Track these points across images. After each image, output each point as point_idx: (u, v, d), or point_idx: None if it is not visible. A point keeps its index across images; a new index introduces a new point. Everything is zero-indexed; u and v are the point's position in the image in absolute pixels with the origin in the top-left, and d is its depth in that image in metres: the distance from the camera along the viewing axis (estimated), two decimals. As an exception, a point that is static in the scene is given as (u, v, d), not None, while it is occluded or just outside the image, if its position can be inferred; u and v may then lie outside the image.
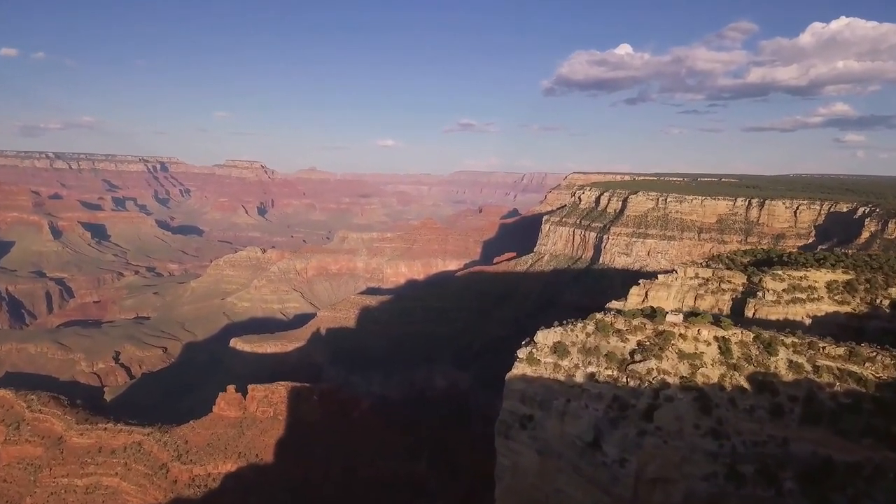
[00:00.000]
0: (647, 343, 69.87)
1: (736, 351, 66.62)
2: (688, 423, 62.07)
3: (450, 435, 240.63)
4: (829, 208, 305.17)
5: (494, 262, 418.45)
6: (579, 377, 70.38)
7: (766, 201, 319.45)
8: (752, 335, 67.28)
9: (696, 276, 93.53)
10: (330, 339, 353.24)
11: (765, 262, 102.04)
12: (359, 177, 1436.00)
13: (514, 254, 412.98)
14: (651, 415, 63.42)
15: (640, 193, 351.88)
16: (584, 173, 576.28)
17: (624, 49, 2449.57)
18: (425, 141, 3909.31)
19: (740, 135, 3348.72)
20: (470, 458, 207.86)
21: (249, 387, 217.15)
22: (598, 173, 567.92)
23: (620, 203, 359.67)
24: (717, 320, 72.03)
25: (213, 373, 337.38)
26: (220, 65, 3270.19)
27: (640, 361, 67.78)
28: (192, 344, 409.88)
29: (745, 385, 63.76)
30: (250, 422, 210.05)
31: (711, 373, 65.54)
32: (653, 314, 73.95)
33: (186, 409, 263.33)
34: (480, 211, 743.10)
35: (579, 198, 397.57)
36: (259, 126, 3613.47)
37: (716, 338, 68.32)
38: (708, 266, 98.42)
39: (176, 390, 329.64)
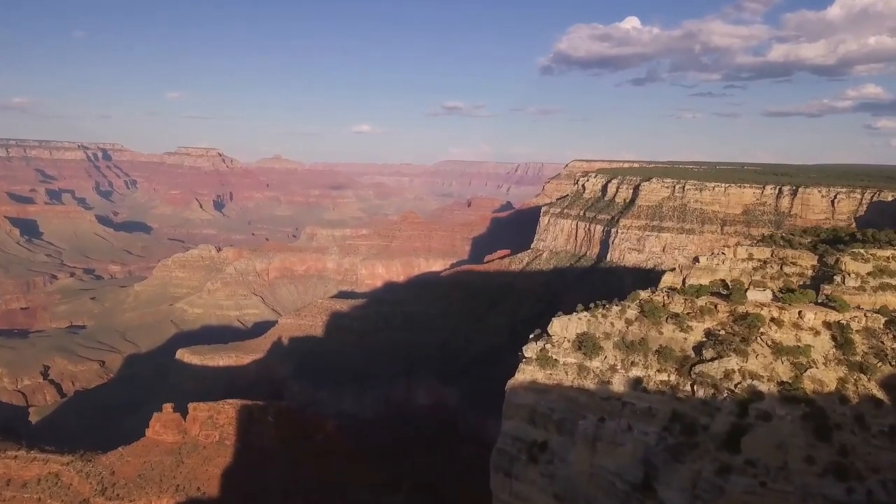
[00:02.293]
0: (722, 332, 58.10)
1: (860, 343, 54.81)
2: (795, 455, 48.94)
3: (434, 462, 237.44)
4: (872, 197, 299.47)
5: (485, 260, 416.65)
6: (618, 384, 58.61)
7: (800, 189, 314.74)
8: (884, 319, 55.42)
9: (750, 258, 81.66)
10: (293, 349, 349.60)
11: (832, 241, 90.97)
12: (330, 166, 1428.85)
13: (507, 251, 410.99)
14: (736, 441, 50.28)
15: (654, 181, 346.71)
16: (587, 161, 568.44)
17: (630, 22, 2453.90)
18: (406, 126, 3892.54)
19: (760, 120, 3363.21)
20: (459, 491, 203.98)
21: (190, 406, 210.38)
22: (603, 161, 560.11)
23: (631, 192, 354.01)
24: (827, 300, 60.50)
25: (158, 390, 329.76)
26: (172, 38, 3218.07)
27: (712, 360, 55.50)
28: (135, 356, 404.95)
29: (880, 395, 51.68)
30: (191, 448, 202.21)
31: (825, 376, 53.40)
32: (726, 290, 61.91)
33: (125, 433, 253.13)
34: (469, 204, 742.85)
35: (583, 186, 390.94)
36: (216, 109, 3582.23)
37: (827, 323, 56.68)
38: (765, 243, 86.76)
39: (114, 411, 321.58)
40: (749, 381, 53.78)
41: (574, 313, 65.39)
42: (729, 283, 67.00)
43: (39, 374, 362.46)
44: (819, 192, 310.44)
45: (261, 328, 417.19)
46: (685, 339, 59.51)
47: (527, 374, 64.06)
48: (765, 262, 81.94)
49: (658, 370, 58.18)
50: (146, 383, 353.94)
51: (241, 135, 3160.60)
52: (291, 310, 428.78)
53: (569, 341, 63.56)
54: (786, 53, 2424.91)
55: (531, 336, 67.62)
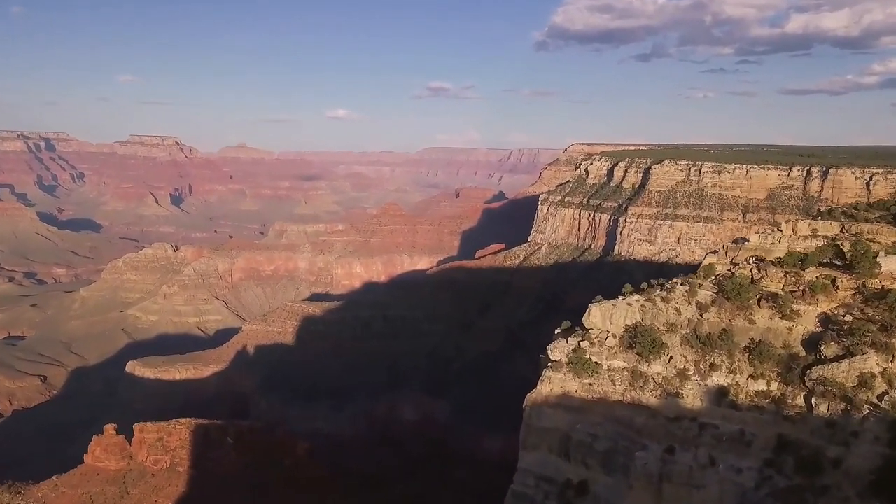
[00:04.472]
0: (848, 318, 49.16)
1: None
2: None
3: (423, 488, 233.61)
4: None
5: (477, 256, 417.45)
6: (692, 398, 49.81)
7: (830, 170, 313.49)
8: None
9: (815, 234, 73.32)
10: (260, 360, 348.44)
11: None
12: (302, 156, 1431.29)
13: (502, 245, 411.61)
14: (892, 484, 40.39)
15: (667, 163, 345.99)
16: (589, 144, 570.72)
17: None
18: (387, 110, 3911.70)
19: (778, 99, 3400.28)
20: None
21: (136, 427, 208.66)
22: (606, 144, 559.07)
23: (640, 176, 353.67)
24: None
25: (108, 408, 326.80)
26: (124, 15, 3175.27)
27: (837, 360, 46.28)
28: (82, 370, 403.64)
29: None
30: (137, 476, 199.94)
31: None
32: (841, 256, 53.79)
33: (69, 459, 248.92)
34: (458, 195, 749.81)
35: (586, 170, 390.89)
36: (174, 93, 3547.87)
37: None
38: (833, 217, 78.97)
39: (57, 432, 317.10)
40: None
41: (621, 297, 56.84)
42: (843, 245, 58.48)
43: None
44: (853, 173, 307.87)
45: (223, 336, 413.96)
46: (790, 329, 50.32)
47: (555, 384, 55.01)
48: (833, 239, 73.28)
49: (751, 376, 48.91)
50: (94, 401, 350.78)
51: (201, 122, 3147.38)
52: (258, 315, 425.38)
53: (615, 336, 54.81)
54: (805, 24, 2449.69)
55: (557, 331, 58.85)
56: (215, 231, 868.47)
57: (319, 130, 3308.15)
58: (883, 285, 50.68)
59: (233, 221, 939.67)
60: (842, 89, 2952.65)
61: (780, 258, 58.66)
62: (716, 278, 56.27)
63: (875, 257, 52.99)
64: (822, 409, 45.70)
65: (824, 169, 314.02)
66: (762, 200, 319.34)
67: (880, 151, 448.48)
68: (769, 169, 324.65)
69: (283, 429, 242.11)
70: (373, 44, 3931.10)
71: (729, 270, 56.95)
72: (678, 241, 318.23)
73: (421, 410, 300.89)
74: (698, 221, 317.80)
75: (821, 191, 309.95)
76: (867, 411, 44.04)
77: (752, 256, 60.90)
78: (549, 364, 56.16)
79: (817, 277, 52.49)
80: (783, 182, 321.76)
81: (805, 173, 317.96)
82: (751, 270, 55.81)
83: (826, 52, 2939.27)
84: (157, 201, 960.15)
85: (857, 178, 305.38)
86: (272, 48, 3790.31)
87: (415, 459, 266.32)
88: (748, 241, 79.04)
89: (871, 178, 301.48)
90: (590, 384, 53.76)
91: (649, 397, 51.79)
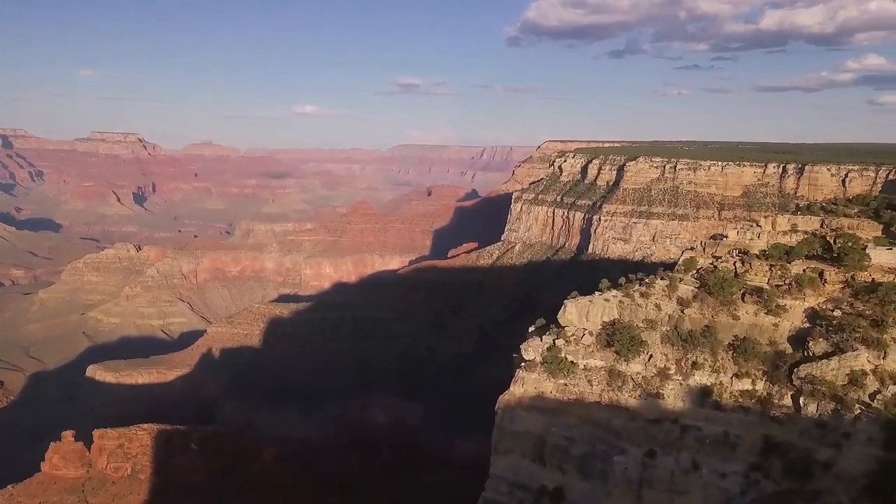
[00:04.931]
0: (837, 313, 48.31)
1: None
2: None
3: (395, 493, 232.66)
4: (888, 175, 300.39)
5: (449, 256, 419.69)
6: (673, 398, 48.80)
7: (806, 167, 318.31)
8: None
9: (794, 230, 73.42)
10: (226, 363, 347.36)
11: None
12: (270, 153, 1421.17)
13: (474, 245, 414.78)
14: (887, 488, 39.30)
15: (641, 160, 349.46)
16: (563, 141, 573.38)
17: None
18: (356, 107, 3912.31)
19: (753, 96, 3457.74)
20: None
21: (95, 433, 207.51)
22: (580, 142, 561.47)
23: (615, 173, 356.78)
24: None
25: (67, 414, 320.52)
26: (85, 7, 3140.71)
27: (826, 357, 45.36)
28: (41, 375, 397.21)
29: None
30: (97, 484, 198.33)
31: None
32: (828, 249, 53.55)
33: (27, 468, 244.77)
34: (429, 193, 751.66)
35: (560, 168, 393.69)
36: (137, 89, 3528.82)
37: None
38: (812, 212, 79.13)
39: (15, 440, 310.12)
40: (895, 387, 43.16)
41: (598, 293, 55.78)
42: (831, 239, 58.09)
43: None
44: (828, 170, 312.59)
45: (188, 339, 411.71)
46: (776, 325, 49.33)
47: (528, 385, 53.76)
48: (814, 234, 73.51)
49: (736, 375, 47.96)
50: (53, 406, 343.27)
51: (165, 118, 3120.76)
52: (224, 317, 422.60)
53: (591, 334, 53.66)
54: (780, 21, 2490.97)
55: (531, 328, 57.67)
56: (180, 231, 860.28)
57: (287, 127, 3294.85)
58: (873, 278, 49.94)
59: (198, 221, 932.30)
60: (816, 86, 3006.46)
61: (764, 251, 57.90)
62: (697, 272, 55.30)
63: (864, 249, 52.47)
64: (811, 409, 44.77)
65: (800, 166, 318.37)
66: (738, 198, 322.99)
67: (856, 149, 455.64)
68: (745, 166, 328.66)
69: (249, 433, 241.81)
70: (341, 38, 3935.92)
71: (711, 264, 56.13)
72: (653, 239, 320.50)
73: (392, 413, 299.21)
74: (673, 219, 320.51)
75: (796, 188, 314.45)
76: (859, 411, 43.07)
77: (735, 250, 60.21)
78: (523, 364, 54.85)
79: (804, 270, 51.60)
80: (759, 179, 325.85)
81: (781, 170, 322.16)
82: (734, 264, 54.86)
83: (801, 48, 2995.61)
84: (119, 200, 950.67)
85: (832, 175, 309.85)
86: (238, 42, 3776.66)
87: (386, 464, 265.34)
88: (726, 237, 79.08)
89: (846, 176, 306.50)
90: (565, 385, 52.56)
91: (628, 398, 50.74)
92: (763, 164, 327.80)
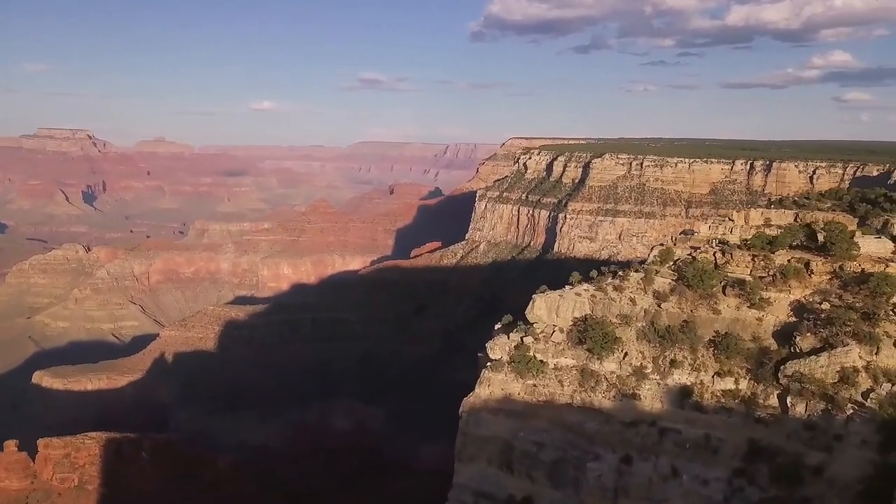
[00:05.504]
0: (825, 306, 47.58)
1: None
2: None
3: (357, 499, 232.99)
4: (855, 172, 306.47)
5: (412, 255, 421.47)
6: (651, 399, 48.19)
7: (774, 164, 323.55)
8: None
9: (768, 224, 73.79)
10: (179, 368, 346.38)
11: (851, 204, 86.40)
12: (225, 150, 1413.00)
13: (438, 244, 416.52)
14: (884, 494, 37.98)
15: (607, 157, 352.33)
16: (527, 138, 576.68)
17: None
18: (316, 102, 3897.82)
19: (720, 93, 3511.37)
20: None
21: (40, 442, 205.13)
22: (545, 139, 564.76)
23: (580, 171, 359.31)
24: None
25: (12, 423, 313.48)
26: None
27: (814, 353, 44.61)
28: None
29: None
30: (42, 495, 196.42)
31: None
32: (812, 238, 52.67)
33: None
34: (392, 192, 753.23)
35: (524, 165, 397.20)
36: (87, 83, 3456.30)
37: None
38: (785, 206, 79.16)
39: None
40: (889, 385, 42.11)
41: (568, 286, 54.77)
42: (816, 225, 57.74)
43: None
44: (796, 166, 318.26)
45: (140, 343, 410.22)
46: (760, 320, 48.82)
47: (495, 386, 52.63)
48: (788, 228, 73.14)
49: (717, 374, 47.63)
50: None
51: (116, 114, 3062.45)
52: (177, 320, 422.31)
53: (562, 331, 52.76)
54: (746, 16, 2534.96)
55: (498, 326, 56.59)
56: (131, 231, 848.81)
57: (243, 123, 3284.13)
58: (863, 268, 49.25)
59: (150, 220, 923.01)
60: (783, 83, 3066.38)
61: (746, 240, 57.05)
62: (674, 264, 54.30)
63: (852, 238, 51.84)
64: (800, 409, 44.02)
65: (768, 163, 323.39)
66: (705, 195, 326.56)
67: (823, 146, 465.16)
68: (712, 163, 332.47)
69: (204, 441, 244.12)
70: (300, 31, 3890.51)
71: (689, 255, 55.03)
72: (619, 237, 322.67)
73: (354, 419, 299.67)
74: (640, 217, 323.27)
75: (764, 185, 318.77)
76: (851, 411, 42.29)
77: (714, 239, 59.31)
78: (489, 364, 53.50)
79: (789, 261, 50.81)
80: (726, 176, 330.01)
81: (748, 167, 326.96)
82: (714, 254, 53.96)
83: (767, 44, 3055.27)
84: (67, 199, 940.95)
85: (800, 171, 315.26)
86: (192, 36, 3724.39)
87: (348, 471, 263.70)
88: (697, 232, 78.82)
89: (814, 172, 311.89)
90: (534, 385, 51.49)
91: (602, 399, 49.82)
92: (731, 161, 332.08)
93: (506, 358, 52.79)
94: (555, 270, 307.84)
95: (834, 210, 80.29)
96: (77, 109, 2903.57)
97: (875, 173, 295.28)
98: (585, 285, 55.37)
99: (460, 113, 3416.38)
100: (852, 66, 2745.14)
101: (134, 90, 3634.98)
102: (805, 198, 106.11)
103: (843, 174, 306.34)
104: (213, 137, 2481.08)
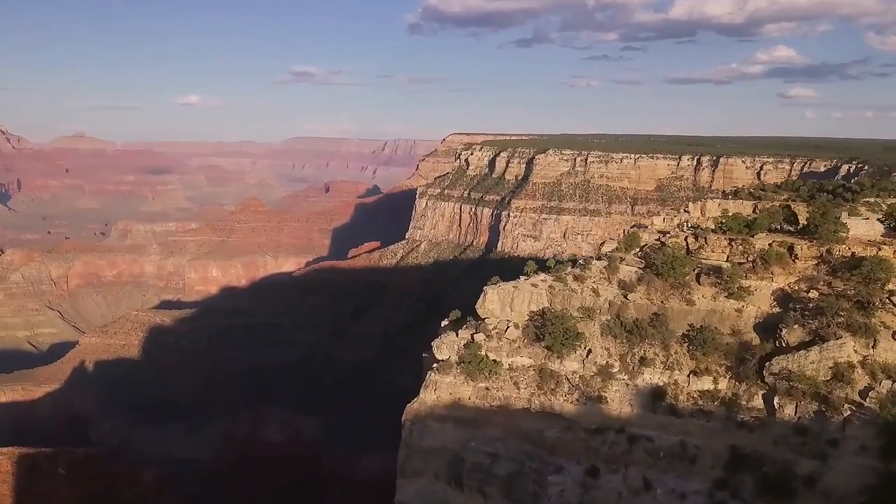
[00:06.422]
0: (813, 295, 45.28)
1: None
2: None
3: None
4: (803, 167, 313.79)
5: (350, 256, 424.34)
6: (618, 402, 45.89)
7: (721, 160, 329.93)
8: None
9: (725, 216, 72.35)
10: (101, 377, 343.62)
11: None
12: (149, 146, 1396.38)
13: (377, 244, 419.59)
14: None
15: (551, 153, 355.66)
16: (469, 134, 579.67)
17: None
18: (246, 96, 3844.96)
19: (664, 88, 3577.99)
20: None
21: None
22: (487, 135, 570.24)
23: (524, 167, 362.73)
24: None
25: None
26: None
27: (802, 348, 42.42)
28: None
29: None
30: None
31: None
32: (793, 221, 51.01)
33: None
34: (327, 189, 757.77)
35: (466, 161, 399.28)
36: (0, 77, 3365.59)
37: None
38: (740, 196, 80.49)
39: None
40: (889, 382, 39.78)
41: (523, 277, 52.22)
42: (794, 206, 57.98)
43: None
44: (743, 162, 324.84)
45: (58, 351, 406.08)
46: (740, 311, 46.47)
47: (442, 390, 49.73)
48: (768, 209, 72.16)
49: (693, 372, 45.25)
50: None
51: (32, 108, 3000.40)
52: (98, 326, 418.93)
53: (517, 327, 50.13)
54: (689, 10, 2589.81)
55: (445, 322, 53.81)
56: (49, 232, 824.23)
57: (168, 118, 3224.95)
58: (853, 252, 47.04)
59: (69, 221, 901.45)
60: (727, 78, 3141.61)
61: (721, 223, 54.76)
62: (641, 250, 52.23)
63: (839, 219, 49.83)
64: (788, 411, 41.80)
65: (714, 158, 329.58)
66: (651, 192, 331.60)
67: (768, 141, 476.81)
68: (658, 158, 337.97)
69: (127, 454, 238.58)
70: (227, 22, 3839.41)
71: (658, 241, 52.84)
72: (564, 236, 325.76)
73: (288, 429, 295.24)
74: (585, 215, 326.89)
75: (711, 181, 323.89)
76: (848, 412, 40.11)
77: (685, 224, 57.22)
78: (435, 365, 50.61)
79: (770, 245, 48.60)
80: (673, 172, 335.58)
81: (695, 163, 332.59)
82: (686, 239, 51.65)
83: (711, 39, 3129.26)
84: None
85: (748, 167, 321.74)
86: (113, 27, 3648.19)
87: (283, 484, 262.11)
88: (649, 226, 76.91)
89: (761, 168, 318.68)
90: (487, 388, 48.88)
91: (563, 403, 47.22)
92: (677, 157, 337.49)
93: (454, 358, 50.00)
94: (498, 270, 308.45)
95: (795, 201, 79.79)
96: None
97: (822, 169, 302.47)
98: (543, 275, 53.00)
99: (399, 108, 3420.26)
100: (796, 62, 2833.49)
101: (52, 83, 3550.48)
102: (761, 189, 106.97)
103: (791, 170, 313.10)
104: (137, 133, 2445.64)
